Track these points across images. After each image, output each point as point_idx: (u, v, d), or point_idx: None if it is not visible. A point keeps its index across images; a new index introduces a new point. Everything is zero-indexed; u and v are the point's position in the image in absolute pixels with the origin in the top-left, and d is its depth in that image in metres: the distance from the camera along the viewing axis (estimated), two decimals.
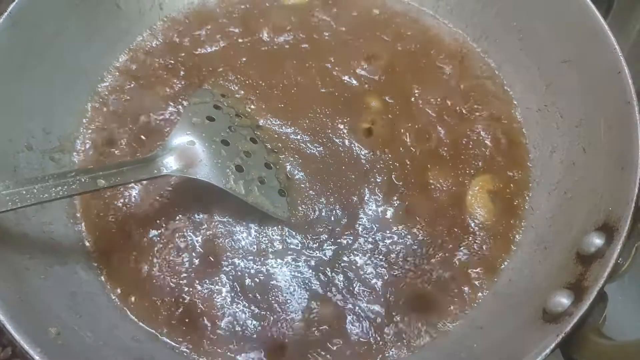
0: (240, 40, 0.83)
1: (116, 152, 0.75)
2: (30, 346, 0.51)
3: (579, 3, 0.67)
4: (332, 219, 0.69)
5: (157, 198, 0.71)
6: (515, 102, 0.77)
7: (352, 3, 0.86)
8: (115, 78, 0.81)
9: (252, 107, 0.77)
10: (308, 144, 0.74)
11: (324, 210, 0.69)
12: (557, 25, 0.72)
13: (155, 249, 0.68)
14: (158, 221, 0.69)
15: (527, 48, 0.76)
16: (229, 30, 0.84)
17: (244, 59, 0.81)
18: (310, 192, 0.70)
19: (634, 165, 0.56)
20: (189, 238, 0.68)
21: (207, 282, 0.66)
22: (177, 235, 0.68)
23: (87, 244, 0.69)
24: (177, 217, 0.69)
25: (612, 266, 0.52)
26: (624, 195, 0.55)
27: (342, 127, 0.74)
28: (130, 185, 0.71)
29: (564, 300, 0.54)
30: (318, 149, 0.73)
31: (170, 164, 0.64)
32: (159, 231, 0.69)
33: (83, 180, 0.59)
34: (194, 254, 0.68)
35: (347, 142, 0.73)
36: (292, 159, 0.73)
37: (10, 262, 0.60)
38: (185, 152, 0.65)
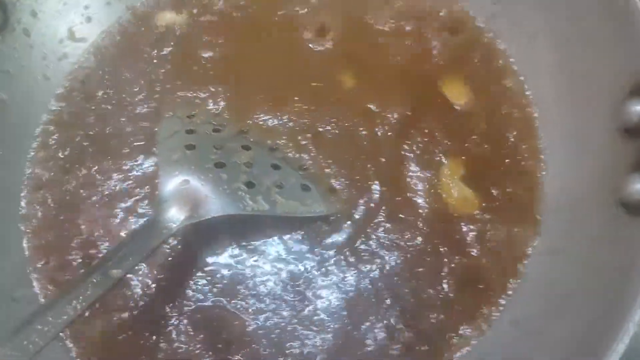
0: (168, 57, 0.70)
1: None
2: None
3: None
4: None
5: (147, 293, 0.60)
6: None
7: None
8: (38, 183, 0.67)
9: (228, 113, 0.66)
10: (308, 126, 0.64)
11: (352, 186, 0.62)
12: None
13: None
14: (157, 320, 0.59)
15: None
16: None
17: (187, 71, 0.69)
18: (331, 174, 0.62)
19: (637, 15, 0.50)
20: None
21: None
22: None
23: None
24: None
25: None
26: None
27: (331, 97, 0.66)
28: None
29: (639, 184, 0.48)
30: (325, 127, 0.64)
31: (175, 216, 0.53)
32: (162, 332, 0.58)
33: (95, 280, 0.48)
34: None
35: (346, 112, 0.65)
36: (298, 148, 0.63)
37: None
38: (185, 195, 0.54)
